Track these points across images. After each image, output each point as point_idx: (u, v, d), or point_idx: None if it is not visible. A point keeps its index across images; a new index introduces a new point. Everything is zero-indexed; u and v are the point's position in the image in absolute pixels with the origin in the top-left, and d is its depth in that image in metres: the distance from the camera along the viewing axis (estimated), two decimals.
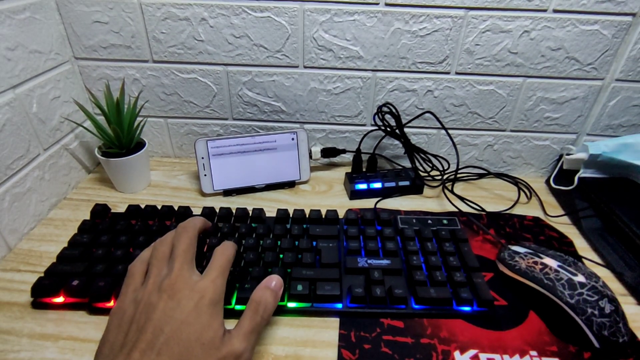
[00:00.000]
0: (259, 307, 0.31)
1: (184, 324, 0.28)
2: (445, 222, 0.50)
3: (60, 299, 0.39)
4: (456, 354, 0.37)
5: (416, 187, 0.59)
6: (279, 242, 0.46)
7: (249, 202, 0.57)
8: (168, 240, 0.34)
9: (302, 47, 0.56)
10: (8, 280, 0.43)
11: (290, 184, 0.61)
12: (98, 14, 0.54)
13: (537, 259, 0.42)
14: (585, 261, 0.48)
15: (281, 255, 0.44)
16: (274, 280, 0.34)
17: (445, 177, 0.62)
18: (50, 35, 0.53)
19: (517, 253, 0.44)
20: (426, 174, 0.62)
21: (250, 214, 0.51)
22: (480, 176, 0.65)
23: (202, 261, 0.41)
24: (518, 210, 0.57)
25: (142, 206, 0.51)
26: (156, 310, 0.28)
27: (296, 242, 0.46)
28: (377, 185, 0.58)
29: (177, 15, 0.54)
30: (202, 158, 0.56)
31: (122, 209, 0.54)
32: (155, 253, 0.33)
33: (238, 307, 0.39)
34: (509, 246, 0.46)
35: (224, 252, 0.34)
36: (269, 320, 0.32)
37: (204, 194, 0.58)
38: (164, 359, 0.26)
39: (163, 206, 0.51)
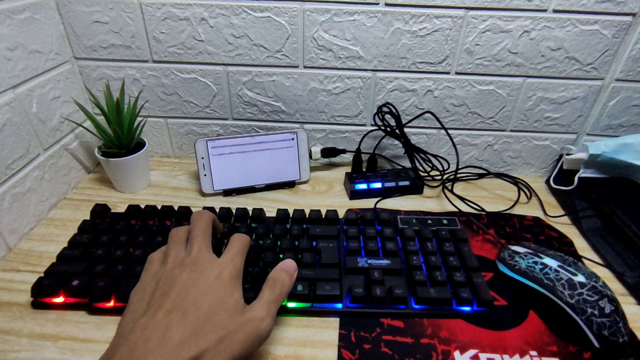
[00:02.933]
0: (276, 283, 0.32)
1: (208, 290, 0.29)
2: (445, 222, 0.50)
3: (60, 299, 0.39)
4: (456, 354, 0.37)
5: (416, 187, 0.59)
6: (279, 242, 0.46)
7: (249, 202, 0.57)
8: (184, 227, 0.36)
9: (302, 47, 0.56)
10: (8, 280, 0.43)
11: (290, 184, 0.61)
12: (98, 14, 0.54)
13: (537, 259, 0.42)
14: (585, 261, 0.48)
15: (281, 256, 0.44)
16: (290, 264, 0.35)
17: (445, 177, 0.62)
18: (50, 35, 0.53)
19: (517, 253, 0.44)
20: (426, 174, 0.62)
21: (250, 214, 0.51)
22: (480, 176, 0.65)
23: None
24: (518, 210, 0.57)
25: (142, 206, 0.51)
26: (179, 278, 0.30)
27: (296, 242, 0.46)
28: (377, 185, 0.58)
29: (177, 15, 0.54)
30: (202, 158, 0.56)
31: (122, 209, 0.54)
32: (172, 237, 0.34)
33: None
34: (509, 246, 0.46)
35: (240, 238, 0.35)
36: (285, 296, 0.33)
37: (204, 194, 0.58)
38: (189, 319, 0.27)
39: (163, 206, 0.51)
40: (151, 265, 0.33)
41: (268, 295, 0.31)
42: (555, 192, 0.61)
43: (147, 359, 0.25)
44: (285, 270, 0.34)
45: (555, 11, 0.52)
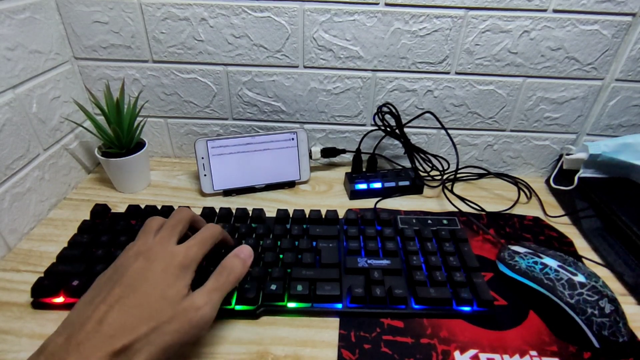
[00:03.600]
0: (224, 270, 0.33)
1: (152, 281, 0.30)
2: (445, 222, 0.50)
3: (60, 299, 0.39)
4: (456, 354, 0.37)
5: (416, 187, 0.59)
6: (278, 242, 0.46)
7: (249, 202, 0.57)
8: (161, 218, 0.36)
9: (302, 47, 0.56)
10: (8, 280, 0.43)
11: (290, 184, 0.61)
12: (98, 14, 0.54)
13: (537, 258, 0.42)
14: (585, 261, 0.48)
15: (281, 256, 0.44)
16: (245, 249, 0.35)
17: (445, 177, 0.62)
18: (50, 35, 0.53)
19: (517, 253, 0.44)
20: (426, 174, 0.62)
21: (250, 214, 0.51)
22: (480, 176, 0.65)
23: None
24: (518, 210, 0.57)
25: (142, 206, 0.51)
26: (129, 269, 0.30)
27: (296, 242, 0.46)
28: (377, 185, 0.58)
29: (177, 15, 0.54)
30: (202, 158, 0.56)
31: (122, 209, 0.54)
32: (145, 226, 0.35)
33: (238, 307, 0.39)
34: (509, 246, 0.46)
35: (209, 229, 0.35)
36: (234, 284, 0.33)
37: (203, 194, 0.58)
38: (126, 310, 0.28)
39: (163, 206, 0.51)
40: (121, 254, 0.33)
41: (212, 283, 0.32)
42: (555, 192, 0.61)
43: (78, 349, 0.25)
44: (238, 256, 0.34)
45: (555, 11, 0.52)
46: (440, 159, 0.62)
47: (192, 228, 0.37)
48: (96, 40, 0.56)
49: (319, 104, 0.61)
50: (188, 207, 0.50)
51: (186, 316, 0.29)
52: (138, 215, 0.50)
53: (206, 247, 0.34)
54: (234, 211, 0.51)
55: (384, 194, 0.59)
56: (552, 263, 0.41)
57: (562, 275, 0.40)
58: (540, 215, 0.56)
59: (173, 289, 0.30)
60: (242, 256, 0.35)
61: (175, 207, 0.51)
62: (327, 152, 0.63)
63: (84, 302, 0.29)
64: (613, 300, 0.38)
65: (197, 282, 0.32)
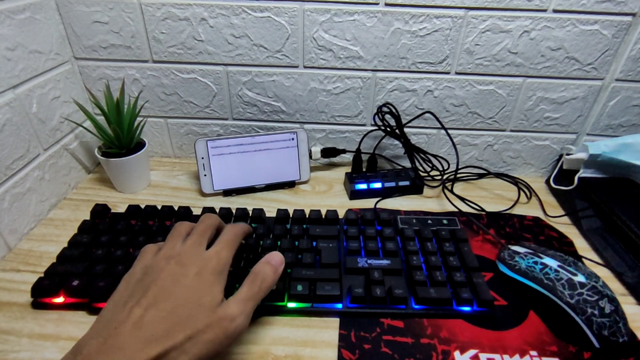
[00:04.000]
0: (257, 278, 0.32)
1: (186, 287, 0.29)
2: (445, 222, 0.50)
3: (60, 299, 0.39)
4: (456, 354, 0.37)
5: (416, 187, 0.59)
6: (279, 243, 0.46)
7: (249, 202, 0.57)
8: (189, 223, 0.36)
9: (302, 47, 0.56)
10: (8, 280, 0.43)
11: (290, 184, 0.61)
12: (98, 14, 0.54)
13: (537, 259, 0.42)
14: (585, 261, 0.48)
15: None
16: (276, 256, 0.35)
17: (445, 177, 0.62)
18: (50, 35, 0.53)
19: (517, 253, 0.44)
20: (426, 174, 0.62)
21: (250, 214, 0.51)
22: (480, 176, 0.65)
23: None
24: (518, 210, 0.57)
25: (142, 206, 0.51)
26: (162, 273, 0.30)
27: (296, 242, 0.46)
28: (377, 185, 0.58)
29: (177, 15, 0.54)
30: (202, 158, 0.56)
31: (122, 209, 0.54)
32: (173, 230, 0.35)
33: None
34: (509, 246, 0.46)
35: (233, 228, 0.35)
36: (266, 292, 0.33)
37: (204, 194, 0.58)
38: (162, 316, 0.27)
39: (163, 206, 0.51)
40: (144, 255, 0.33)
41: (246, 291, 0.31)
42: (555, 192, 0.61)
43: (113, 355, 0.25)
44: (270, 263, 0.34)
45: (555, 11, 0.52)
46: (440, 159, 0.62)
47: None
48: (96, 40, 0.56)
49: (319, 104, 0.61)
50: (192, 214, 0.50)
51: (221, 326, 0.29)
52: (138, 216, 0.50)
53: (235, 248, 0.34)
54: (234, 211, 0.51)
55: (384, 194, 0.59)
56: (552, 263, 0.41)
57: (562, 275, 0.40)
58: (540, 215, 0.56)
59: (209, 296, 0.29)
60: (273, 263, 0.34)
61: (176, 208, 0.51)
62: (327, 152, 0.63)
63: (115, 303, 0.29)
64: (613, 300, 0.38)
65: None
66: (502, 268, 0.45)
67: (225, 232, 0.35)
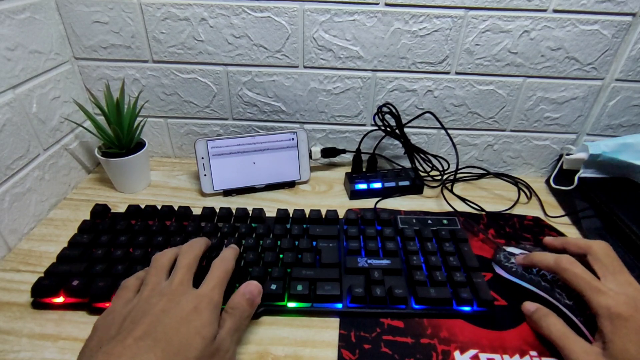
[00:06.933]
0: (235, 313, 0.32)
1: (184, 320, 0.29)
2: (445, 222, 0.50)
3: (60, 299, 0.39)
4: (456, 354, 0.37)
5: (416, 187, 0.59)
6: (279, 242, 0.46)
7: (249, 202, 0.57)
8: (169, 254, 0.35)
9: (302, 47, 0.56)
10: (8, 281, 0.43)
11: (290, 184, 0.61)
12: (98, 14, 0.54)
13: None
14: None
15: (281, 255, 0.44)
16: (252, 287, 0.35)
17: (445, 177, 0.62)
18: (50, 36, 0.53)
19: (513, 254, 0.44)
20: (426, 174, 0.62)
21: (250, 214, 0.51)
22: (480, 176, 0.65)
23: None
24: (518, 210, 0.57)
25: (142, 206, 0.51)
26: (155, 307, 0.29)
27: (296, 242, 0.46)
28: (377, 185, 0.58)
29: (177, 15, 0.54)
30: (202, 158, 0.56)
31: (122, 209, 0.53)
32: (154, 264, 0.34)
33: None
34: (505, 247, 0.46)
35: (222, 265, 0.35)
36: (247, 323, 0.34)
37: (204, 194, 0.58)
38: (160, 347, 0.26)
39: (163, 206, 0.51)
40: (124, 291, 0.32)
41: (230, 324, 0.31)
42: (555, 192, 0.61)
43: None
44: (245, 295, 0.34)
45: (555, 11, 0.52)
46: (440, 159, 0.62)
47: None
48: (96, 40, 0.56)
49: (319, 104, 0.61)
50: (192, 214, 0.50)
51: (219, 356, 0.29)
52: (138, 216, 0.50)
53: (224, 286, 0.34)
54: (234, 211, 0.51)
55: (384, 194, 0.59)
56: None
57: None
58: (540, 215, 0.56)
59: (210, 328, 0.29)
60: (248, 296, 0.34)
61: (176, 208, 0.51)
62: (327, 152, 0.63)
63: (99, 340, 0.28)
64: None
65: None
66: (499, 270, 0.45)
67: (215, 268, 0.34)
